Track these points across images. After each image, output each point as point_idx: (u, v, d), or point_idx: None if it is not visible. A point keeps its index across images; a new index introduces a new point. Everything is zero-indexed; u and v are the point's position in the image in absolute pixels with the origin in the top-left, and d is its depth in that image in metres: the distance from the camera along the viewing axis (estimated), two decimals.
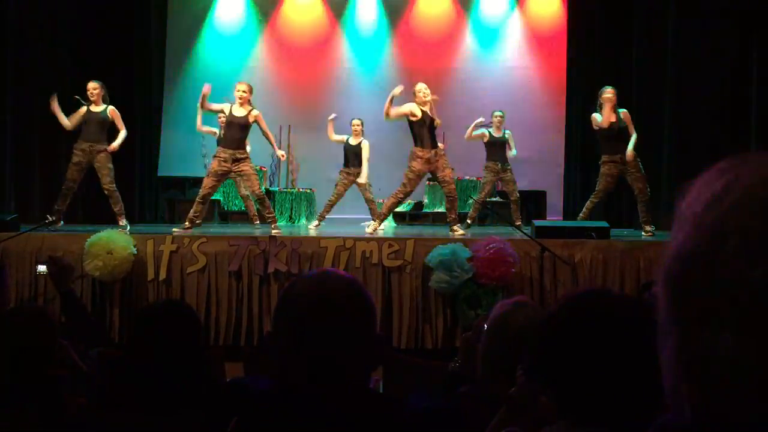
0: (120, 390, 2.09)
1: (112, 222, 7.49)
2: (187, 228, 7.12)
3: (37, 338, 2.25)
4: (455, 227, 7.29)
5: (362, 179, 8.39)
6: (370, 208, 8.54)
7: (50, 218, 7.25)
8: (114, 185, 7.47)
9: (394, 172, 8.80)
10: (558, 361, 1.27)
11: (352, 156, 8.57)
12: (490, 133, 8.78)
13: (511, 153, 8.91)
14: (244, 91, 7.34)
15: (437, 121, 7.30)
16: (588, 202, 7.77)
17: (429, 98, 7.27)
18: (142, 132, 10.40)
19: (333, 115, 8.64)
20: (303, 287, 1.43)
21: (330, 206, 8.59)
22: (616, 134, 7.45)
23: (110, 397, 2.12)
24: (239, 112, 7.33)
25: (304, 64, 10.96)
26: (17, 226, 6.92)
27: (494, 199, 10.13)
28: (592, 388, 1.22)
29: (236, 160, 7.25)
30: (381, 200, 9.54)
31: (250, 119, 7.32)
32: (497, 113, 8.85)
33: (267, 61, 11.04)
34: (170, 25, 10.79)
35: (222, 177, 7.44)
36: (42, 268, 5.81)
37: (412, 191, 7.45)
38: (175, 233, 6.74)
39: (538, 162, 10.39)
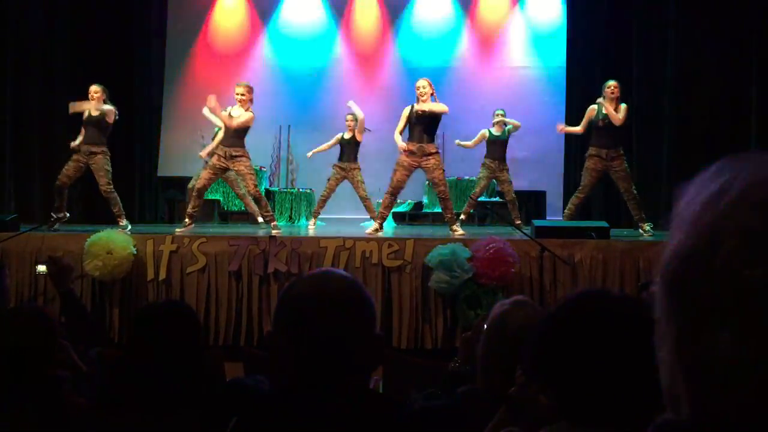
0: (120, 390, 2.09)
1: (112, 222, 7.49)
2: (188, 225, 7.14)
3: (37, 338, 2.25)
4: (454, 227, 7.29)
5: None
6: (365, 206, 8.54)
7: (54, 216, 7.25)
8: (111, 187, 7.44)
9: (391, 171, 8.80)
10: (557, 361, 1.27)
11: (347, 150, 8.59)
12: (490, 131, 8.76)
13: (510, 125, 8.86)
14: (242, 94, 7.29)
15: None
16: (573, 197, 7.73)
17: (426, 95, 7.23)
18: (142, 132, 10.41)
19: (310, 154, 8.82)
20: (303, 287, 1.43)
21: (323, 201, 8.61)
22: (611, 128, 7.43)
23: (110, 397, 2.12)
24: (236, 112, 7.30)
25: (304, 63, 10.96)
26: (17, 226, 6.93)
27: (494, 199, 10.14)
28: (592, 388, 1.22)
29: (232, 157, 7.24)
30: (380, 200, 9.55)
31: (244, 120, 7.24)
32: (498, 112, 8.81)
33: (267, 61, 11.04)
34: (170, 25, 10.79)
35: (219, 172, 7.42)
36: (42, 268, 5.81)
37: (399, 182, 7.31)
38: (177, 233, 6.75)
39: (538, 162, 10.39)
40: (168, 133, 10.65)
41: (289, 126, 10.65)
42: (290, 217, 10.10)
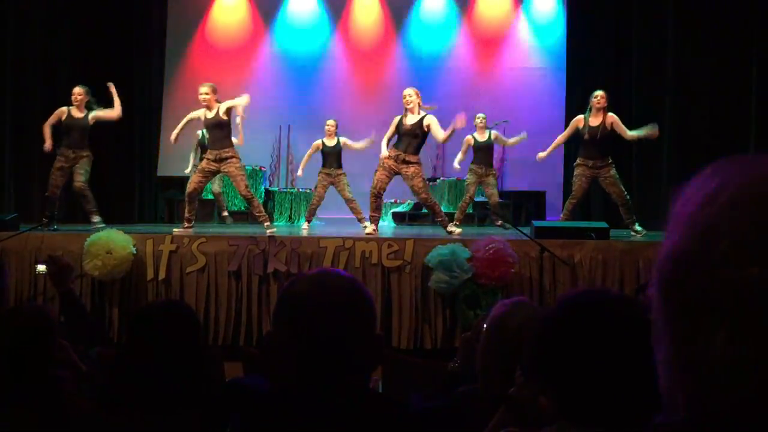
0: (119, 390, 2.09)
1: (112, 222, 7.49)
2: (187, 228, 7.13)
3: (37, 338, 2.25)
4: (450, 228, 7.28)
5: (364, 143, 8.42)
6: (351, 208, 8.55)
7: (45, 221, 7.26)
8: (87, 184, 7.45)
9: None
10: (557, 361, 1.27)
11: (330, 157, 8.58)
12: (474, 137, 8.73)
13: (510, 141, 8.91)
14: (205, 93, 7.25)
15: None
16: (567, 203, 7.80)
17: (412, 104, 7.24)
18: (141, 132, 10.41)
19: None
20: (302, 287, 1.43)
21: (314, 209, 8.62)
22: (598, 140, 7.44)
23: (109, 396, 2.12)
24: (210, 113, 7.29)
25: (304, 64, 10.96)
26: (17, 225, 6.93)
27: None
28: (591, 388, 1.23)
29: (221, 159, 7.22)
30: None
31: (222, 115, 7.24)
32: (480, 115, 8.78)
33: (266, 61, 11.04)
34: (170, 25, 10.79)
35: (209, 174, 7.41)
36: (41, 267, 5.81)
37: (378, 181, 7.33)
38: (175, 233, 6.75)
39: (538, 163, 10.38)
40: (168, 133, 10.63)
41: (289, 126, 10.65)
42: (290, 217, 10.10)
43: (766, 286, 0.58)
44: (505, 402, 1.74)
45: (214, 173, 7.46)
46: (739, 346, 0.59)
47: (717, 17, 9.11)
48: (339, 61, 11.14)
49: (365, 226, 8.22)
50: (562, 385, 1.26)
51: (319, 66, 11.06)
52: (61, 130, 7.58)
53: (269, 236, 6.50)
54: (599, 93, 7.50)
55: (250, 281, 6.37)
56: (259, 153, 10.30)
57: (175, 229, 7.10)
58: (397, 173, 7.36)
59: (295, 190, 10.33)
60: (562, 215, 7.85)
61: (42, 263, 5.80)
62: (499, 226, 7.50)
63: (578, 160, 7.62)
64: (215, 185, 9.10)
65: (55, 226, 7.26)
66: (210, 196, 10.12)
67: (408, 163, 7.25)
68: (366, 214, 7.85)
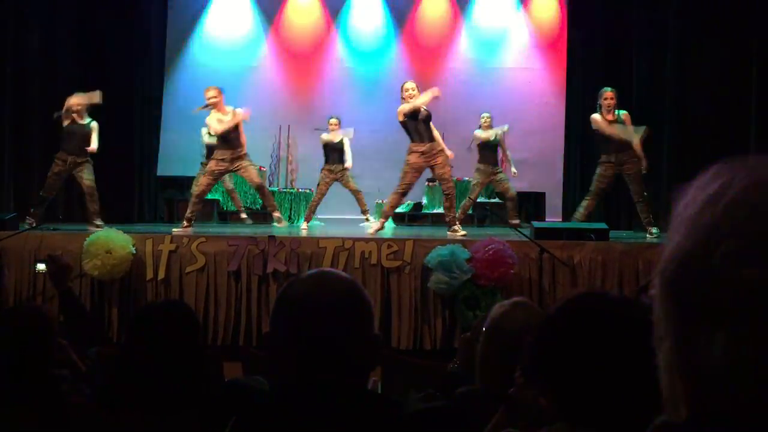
0: (119, 390, 2.09)
1: (112, 221, 7.49)
2: (186, 227, 7.15)
3: (36, 337, 2.25)
4: (455, 227, 7.31)
5: (348, 163, 8.45)
6: (357, 198, 8.56)
7: (31, 219, 7.28)
8: (94, 184, 7.51)
9: (391, 171, 8.82)
10: (556, 362, 1.27)
11: (332, 153, 8.60)
12: (479, 135, 8.76)
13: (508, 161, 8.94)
14: (213, 97, 7.41)
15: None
16: (584, 201, 7.72)
17: (415, 96, 7.25)
18: (141, 132, 10.41)
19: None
20: (300, 288, 1.43)
21: (315, 206, 8.63)
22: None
23: (109, 396, 2.12)
24: (221, 115, 7.39)
25: (304, 64, 10.96)
26: (16, 225, 6.92)
27: (493, 200, 10.14)
28: (591, 390, 1.23)
29: (234, 159, 7.29)
30: (380, 201, 9.55)
31: (235, 118, 7.37)
32: (485, 115, 8.82)
33: (267, 61, 11.04)
34: (170, 25, 10.79)
35: (219, 176, 7.50)
36: (41, 266, 5.82)
37: (410, 184, 7.38)
38: (174, 233, 6.75)
39: (538, 163, 10.39)
40: (168, 133, 10.64)
41: (289, 126, 10.65)
42: (289, 218, 10.10)
43: (767, 288, 0.58)
44: (504, 403, 1.74)
45: (224, 173, 7.51)
46: (740, 347, 0.59)
47: (717, 17, 9.11)
48: (339, 60, 11.14)
49: (367, 219, 8.24)
50: (562, 386, 1.26)
51: (320, 66, 11.06)
52: (60, 132, 7.58)
53: (269, 236, 6.50)
54: (608, 93, 7.44)
55: (250, 281, 6.36)
56: (259, 153, 10.29)
57: (174, 229, 7.11)
58: (429, 167, 7.36)
59: (295, 190, 10.34)
60: (578, 215, 7.69)
61: (42, 262, 5.80)
62: (514, 225, 7.43)
63: (602, 158, 7.54)
64: (227, 182, 9.08)
65: (52, 227, 7.25)
66: (210, 196, 10.12)
67: (438, 152, 7.27)
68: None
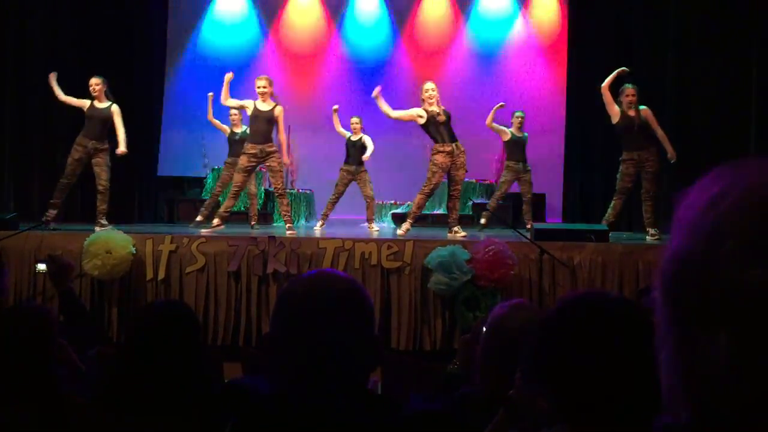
0: (118, 390, 2.09)
1: (112, 221, 7.49)
2: (217, 225, 7.29)
3: (36, 337, 2.25)
4: (456, 228, 7.32)
5: (367, 155, 8.42)
6: (367, 205, 8.55)
7: (48, 215, 7.24)
8: (109, 184, 7.48)
9: (394, 174, 8.83)
10: (556, 363, 1.27)
11: (353, 152, 8.59)
12: (512, 132, 8.88)
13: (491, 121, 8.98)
14: (264, 87, 7.42)
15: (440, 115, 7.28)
16: (612, 202, 7.63)
17: (434, 97, 7.31)
18: (141, 132, 10.40)
19: (336, 106, 8.66)
20: (301, 288, 1.43)
21: (332, 204, 8.61)
22: (635, 131, 7.39)
23: (108, 396, 2.12)
24: (264, 106, 7.42)
25: (305, 64, 10.97)
26: (16, 224, 6.92)
27: None
28: (591, 391, 1.22)
29: (266, 155, 7.33)
30: (381, 202, 9.55)
31: (276, 113, 7.40)
32: (518, 113, 8.97)
33: (267, 62, 11.04)
34: (171, 24, 10.79)
35: (251, 172, 7.54)
36: (42, 266, 5.82)
37: (437, 184, 7.43)
38: (203, 233, 6.85)
39: (538, 165, 10.36)
40: (168, 133, 10.65)
41: (289, 126, 10.63)
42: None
43: None
44: (504, 404, 1.74)
45: (255, 168, 7.53)
46: (742, 348, 0.59)
47: (717, 17, 9.11)
48: (340, 60, 11.15)
49: (371, 226, 8.25)
50: (562, 387, 1.26)
51: (320, 66, 11.06)
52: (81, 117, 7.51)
53: (269, 236, 6.50)
54: (629, 89, 7.40)
55: (250, 282, 6.36)
56: None
57: (203, 230, 7.17)
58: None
59: (295, 190, 10.33)
60: (608, 217, 7.60)
61: (42, 262, 5.80)
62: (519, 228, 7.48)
63: (624, 155, 7.51)
64: (252, 186, 9.01)
65: (53, 226, 7.25)
66: (210, 197, 10.11)
67: (462, 153, 7.32)
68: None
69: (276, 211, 9.94)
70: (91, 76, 7.62)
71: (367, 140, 8.53)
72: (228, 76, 7.53)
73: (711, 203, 0.63)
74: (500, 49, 11.12)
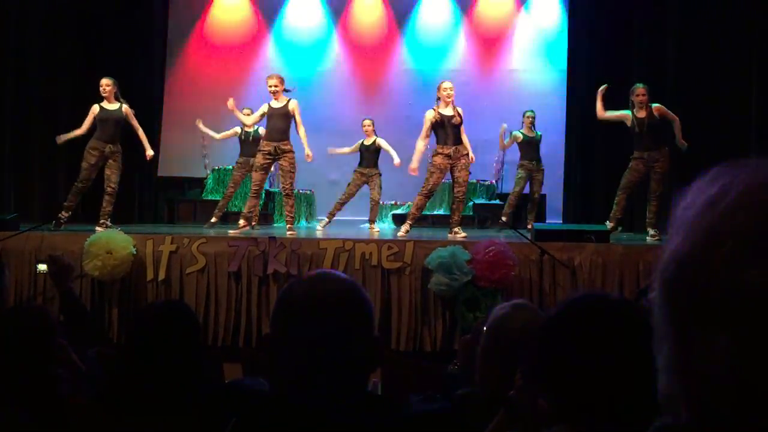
0: (119, 390, 2.09)
1: (114, 222, 7.49)
2: (243, 226, 7.35)
3: (36, 337, 2.25)
4: (456, 229, 7.33)
5: (397, 160, 8.44)
6: (371, 207, 8.56)
7: (61, 216, 7.19)
8: (117, 187, 7.48)
9: (395, 174, 8.82)
10: (557, 364, 1.27)
11: (367, 155, 8.61)
12: (523, 133, 8.91)
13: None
14: (275, 85, 7.44)
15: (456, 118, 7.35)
16: (616, 198, 7.65)
17: (452, 97, 7.39)
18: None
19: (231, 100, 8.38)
20: (300, 289, 1.43)
21: (340, 205, 8.63)
22: (646, 132, 7.40)
23: (108, 397, 2.12)
24: (277, 104, 7.44)
25: (304, 64, 10.96)
26: (17, 225, 6.92)
27: (494, 201, 10.14)
28: (591, 391, 1.22)
29: (280, 152, 7.37)
30: (382, 203, 9.55)
31: (291, 107, 7.42)
32: (528, 113, 9.01)
33: (267, 62, 11.04)
34: (171, 24, 10.79)
35: (267, 169, 7.55)
36: (42, 266, 5.81)
37: (436, 185, 7.48)
38: (231, 234, 6.94)
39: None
40: (168, 133, 10.64)
41: None
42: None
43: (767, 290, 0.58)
44: (504, 405, 1.74)
45: (272, 165, 7.55)
46: (741, 349, 0.59)
47: (717, 17, 9.11)
48: (340, 60, 11.14)
49: (372, 227, 8.25)
50: (562, 387, 1.26)
51: (320, 66, 11.06)
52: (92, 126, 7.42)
53: (269, 237, 6.50)
54: (640, 89, 7.41)
55: (250, 282, 6.36)
56: None
57: (230, 231, 7.23)
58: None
59: (295, 191, 10.32)
60: (614, 213, 7.64)
61: (42, 263, 5.80)
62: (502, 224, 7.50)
63: (634, 154, 7.53)
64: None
65: (53, 227, 7.23)
66: (210, 197, 10.11)
67: (462, 156, 7.36)
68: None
69: (276, 211, 9.95)
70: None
71: (384, 144, 8.56)
72: (230, 104, 7.69)
73: (709, 204, 0.63)
74: (500, 49, 11.11)
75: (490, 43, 11.11)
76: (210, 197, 10.10)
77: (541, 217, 10.22)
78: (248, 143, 8.79)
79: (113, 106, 7.44)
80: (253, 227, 7.91)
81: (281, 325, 1.42)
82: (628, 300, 1.41)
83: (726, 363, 0.59)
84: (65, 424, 2.09)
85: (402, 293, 6.31)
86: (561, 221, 10.07)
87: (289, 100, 7.45)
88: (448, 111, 7.38)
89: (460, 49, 11.14)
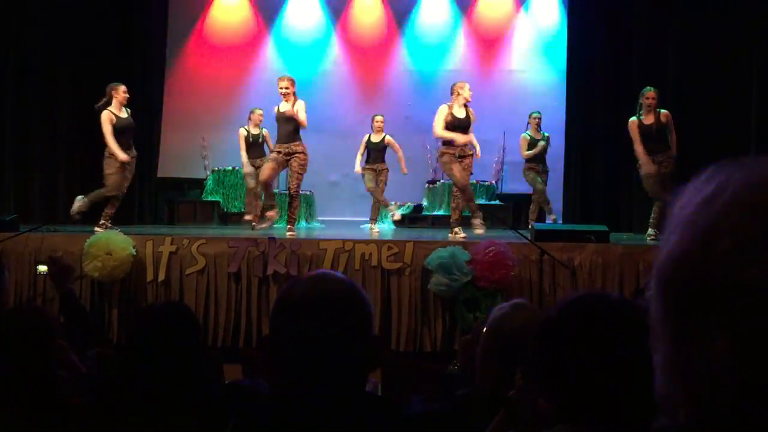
0: (118, 391, 2.09)
1: (114, 223, 7.48)
2: (271, 217, 7.51)
3: (36, 338, 2.25)
4: (456, 229, 7.32)
5: (405, 170, 8.45)
6: (374, 205, 8.56)
7: (104, 223, 7.11)
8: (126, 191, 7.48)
9: (395, 175, 8.82)
10: (556, 364, 1.27)
11: (375, 152, 8.63)
12: (530, 135, 8.88)
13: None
14: (286, 87, 7.40)
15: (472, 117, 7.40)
16: (654, 207, 7.61)
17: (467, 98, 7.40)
18: (142, 133, 10.40)
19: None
20: (300, 289, 1.43)
21: (378, 207, 8.62)
22: (654, 136, 7.42)
23: (108, 398, 2.12)
24: (285, 106, 7.41)
25: (304, 65, 10.96)
26: (17, 226, 6.92)
27: (494, 202, 10.14)
28: (591, 392, 1.23)
29: (291, 153, 7.38)
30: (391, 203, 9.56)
31: (295, 107, 7.38)
32: (534, 114, 8.97)
33: (266, 63, 11.04)
34: (171, 25, 10.79)
35: (281, 164, 7.54)
36: (42, 267, 5.81)
37: (459, 176, 7.40)
38: (256, 228, 7.12)
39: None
40: (168, 134, 10.64)
41: None
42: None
43: (766, 288, 0.58)
44: (504, 405, 1.74)
45: (283, 161, 7.54)
46: (739, 348, 0.59)
47: (717, 18, 9.11)
48: (339, 61, 11.14)
49: (372, 227, 8.26)
50: (562, 388, 1.26)
51: (320, 66, 11.06)
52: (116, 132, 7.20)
53: (269, 238, 6.50)
54: (650, 93, 7.44)
55: (250, 283, 6.36)
56: None
57: (258, 226, 7.37)
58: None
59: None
60: (652, 221, 7.60)
61: (43, 264, 5.80)
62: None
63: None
64: (253, 185, 8.98)
65: (53, 228, 7.21)
66: (210, 198, 10.12)
67: (466, 156, 7.38)
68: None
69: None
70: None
71: (393, 144, 8.58)
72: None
73: (706, 202, 0.63)
74: (500, 48, 11.11)
75: (490, 43, 11.11)
76: (210, 198, 10.10)
77: (541, 217, 10.23)
78: (254, 145, 8.82)
79: (126, 113, 7.38)
80: (253, 227, 7.92)
81: (280, 326, 1.42)
82: (628, 300, 1.41)
83: (724, 362, 0.59)
84: (65, 425, 2.09)
85: (402, 294, 6.31)
86: (561, 221, 10.06)
87: (295, 102, 7.41)
88: (461, 113, 7.36)
89: (460, 50, 11.14)
